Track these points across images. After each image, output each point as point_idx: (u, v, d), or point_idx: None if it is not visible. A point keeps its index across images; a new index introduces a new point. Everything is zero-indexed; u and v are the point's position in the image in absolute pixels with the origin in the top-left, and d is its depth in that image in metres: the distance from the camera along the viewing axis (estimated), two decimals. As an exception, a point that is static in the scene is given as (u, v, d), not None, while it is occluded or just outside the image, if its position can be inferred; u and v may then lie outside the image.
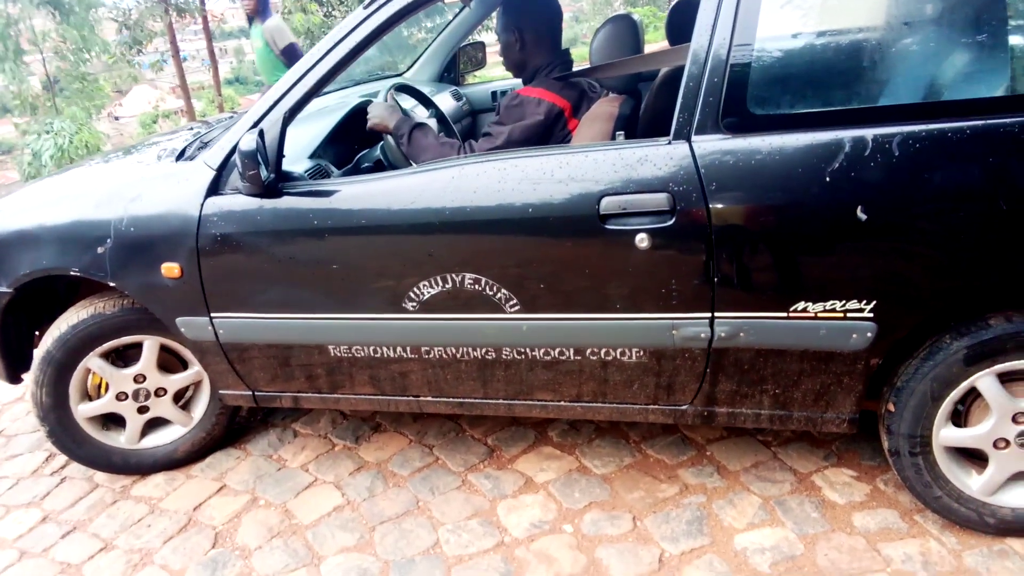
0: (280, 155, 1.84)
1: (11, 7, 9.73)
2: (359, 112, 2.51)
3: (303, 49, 5.11)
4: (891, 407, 1.75)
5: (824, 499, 1.99)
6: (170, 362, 2.26)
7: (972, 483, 1.77)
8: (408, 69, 3.61)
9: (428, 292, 1.82)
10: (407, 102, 2.77)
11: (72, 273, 2.02)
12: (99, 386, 2.27)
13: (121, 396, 2.24)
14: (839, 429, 1.79)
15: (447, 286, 1.80)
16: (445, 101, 3.23)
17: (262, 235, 1.89)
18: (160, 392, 2.25)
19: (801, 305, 1.63)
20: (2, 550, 2.10)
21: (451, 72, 3.73)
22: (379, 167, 2.26)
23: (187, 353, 2.21)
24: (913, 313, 1.62)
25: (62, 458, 2.47)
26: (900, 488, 1.97)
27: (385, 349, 1.94)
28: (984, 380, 1.65)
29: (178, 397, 2.32)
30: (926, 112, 1.53)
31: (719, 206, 1.59)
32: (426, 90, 2.98)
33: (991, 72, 1.54)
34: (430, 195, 1.77)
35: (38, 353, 2.18)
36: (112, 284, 2.01)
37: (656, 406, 1.88)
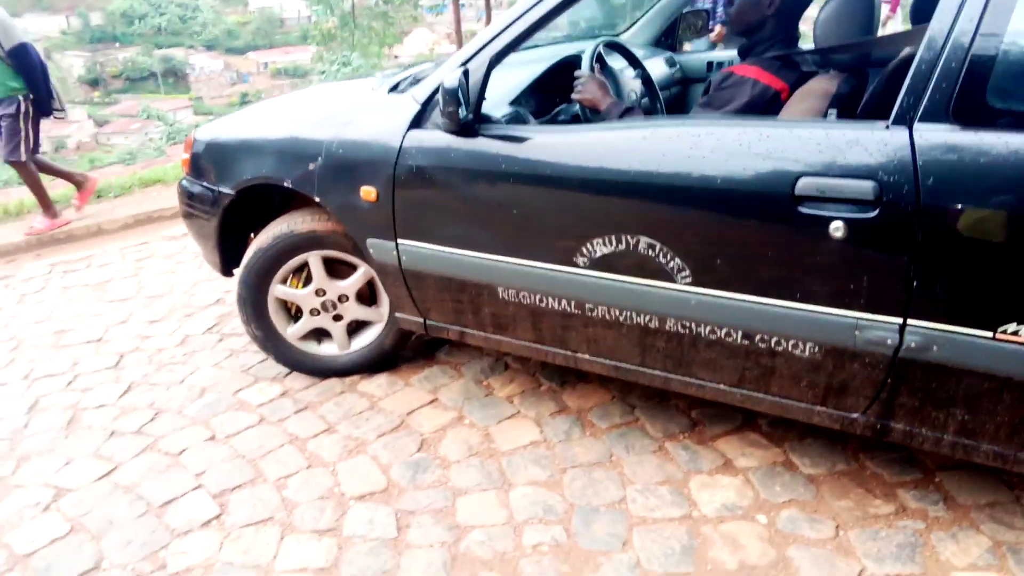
0: (481, 97, 1.89)
1: None
2: (566, 65, 2.51)
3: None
4: None
5: (1072, 558, 1.72)
6: (342, 270, 2.41)
7: None
8: (626, 31, 3.56)
9: (601, 250, 1.81)
10: (617, 61, 2.73)
11: (285, 184, 2.22)
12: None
13: (314, 312, 2.46)
14: (1034, 474, 1.59)
15: (620, 247, 1.78)
16: (657, 66, 3.16)
17: (453, 172, 1.96)
18: (343, 298, 2.43)
19: (1012, 327, 1.44)
20: (247, 412, 2.44)
21: (669, 38, 3.64)
22: (576, 122, 2.26)
23: (350, 257, 2.35)
24: None
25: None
26: None
27: (551, 300, 1.95)
28: None
29: (364, 298, 2.47)
30: None
31: (933, 204, 1.43)
32: (639, 53, 2.92)
33: None
34: (618, 153, 1.74)
35: (237, 295, 2.46)
36: (317, 199, 2.18)
37: (823, 408, 1.76)
